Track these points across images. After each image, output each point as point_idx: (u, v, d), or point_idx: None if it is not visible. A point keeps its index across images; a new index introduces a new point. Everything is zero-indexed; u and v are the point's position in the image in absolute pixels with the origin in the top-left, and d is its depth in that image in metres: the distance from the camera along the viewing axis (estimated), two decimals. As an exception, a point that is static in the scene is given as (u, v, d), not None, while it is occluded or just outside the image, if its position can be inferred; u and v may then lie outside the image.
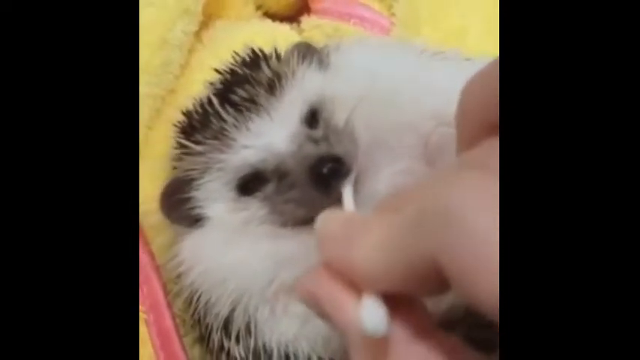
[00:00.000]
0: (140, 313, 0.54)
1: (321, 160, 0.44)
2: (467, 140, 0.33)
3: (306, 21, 0.65)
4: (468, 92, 0.33)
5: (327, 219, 0.33)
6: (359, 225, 0.31)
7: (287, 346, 0.46)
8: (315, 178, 0.44)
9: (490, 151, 0.29)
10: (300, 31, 0.66)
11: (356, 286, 0.31)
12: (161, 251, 0.55)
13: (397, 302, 0.30)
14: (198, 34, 0.62)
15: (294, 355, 0.46)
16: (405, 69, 0.50)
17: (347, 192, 0.43)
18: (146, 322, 0.55)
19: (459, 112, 0.34)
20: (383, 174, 0.46)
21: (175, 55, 0.58)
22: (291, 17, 0.68)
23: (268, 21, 0.67)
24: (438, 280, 0.27)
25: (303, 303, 0.34)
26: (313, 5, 0.66)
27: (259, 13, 0.69)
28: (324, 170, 0.43)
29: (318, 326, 0.44)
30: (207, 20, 0.63)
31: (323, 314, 0.32)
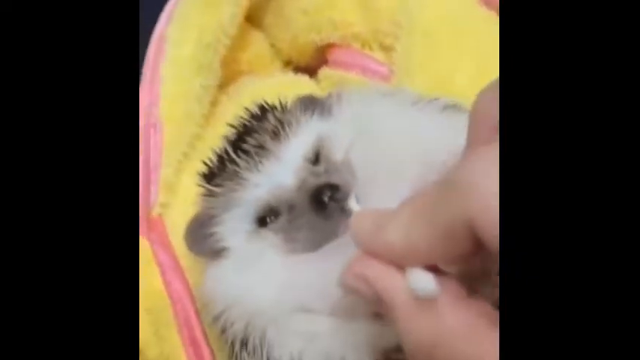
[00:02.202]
0: (174, 325, 0.60)
1: (320, 189, 0.49)
2: (476, 141, 0.37)
3: (321, 72, 0.71)
4: (482, 97, 0.36)
5: (358, 216, 0.37)
6: (388, 213, 0.35)
7: None
8: (316, 206, 0.48)
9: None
10: (318, 82, 0.71)
11: (398, 266, 0.34)
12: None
13: (436, 274, 0.33)
14: (224, 88, 0.68)
15: None
16: (397, 117, 0.54)
17: (355, 207, 0.47)
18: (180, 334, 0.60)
19: (472, 115, 0.37)
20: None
21: (196, 107, 0.64)
22: (313, 68, 0.74)
23: (290, 73, 0.73)
24: (470, 241, 0.31)
25: (352, 287, 0.37)
26: (329, 57, 0.71)
27: (287, 68, 0.74)
28: (324, 197, 0.48)
29: (322, 343, 0.48)
30: (236, 76, 0.70)
31: (368, 293, 0.35)
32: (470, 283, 0.41)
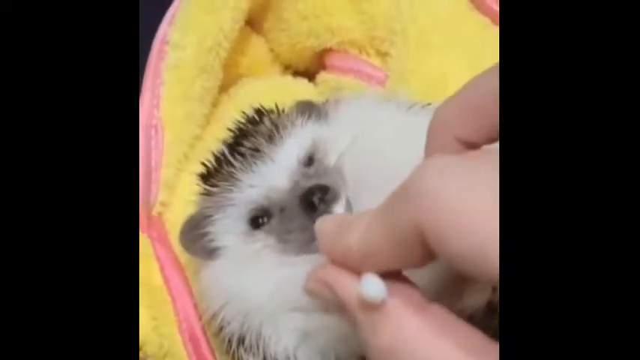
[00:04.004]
0: (175, 322, 0.60)
1: (310, 190, 0.49)
2: (434, 151, 0.37)
3: (319, 76, 0.71)
4: (443, 109, 0.37)
5: (324, 220, 0.37)
6: (351, 218, 0.35)
7: (289, 358, 0.50)
8: (305, 206, 0.49)
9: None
10: (316, 85, 0.71)
11: (356, 271, 0.34)
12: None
13: (393, 281, 0.33)
14: (225, 89, 0.69)
15: None
16: (392, 123, 0.54)
17: (340, 211, 0.48)
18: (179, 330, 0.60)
19: (431, 127, 0.37)
20: None
21: (197, 108, 0.65)
22: (312, 72, 0.74)
23: (289, 77, 0.73)
24: (421, 247, 0.30)
25: (315, 292, 0.37)
26: (326, 61, 0.71)
27: (287, 71, 0.75)
28: (313, 198, 0.48)
29: (316, 340, 0.49)
30: (236, 79, 0.70)
31: (330, 298, 0.35)
32: (456, 285, 0.41)
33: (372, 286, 0.33)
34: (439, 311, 0.33)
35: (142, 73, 0.65)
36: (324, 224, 0.37)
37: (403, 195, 0.32)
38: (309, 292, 0.37)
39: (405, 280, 0.34)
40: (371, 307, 0.33)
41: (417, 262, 0.32)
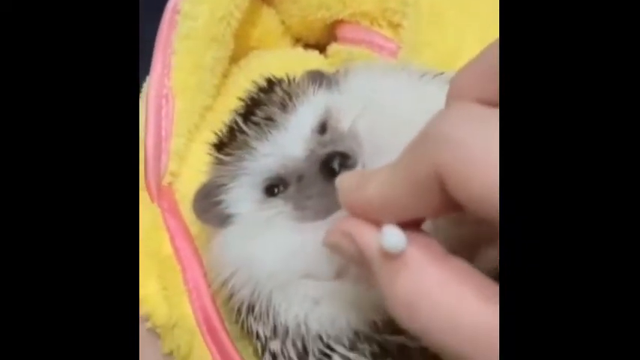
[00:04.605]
0: (184, 291, 0.60)
1: (329, 156, 0.48)
2: None
3: (330, 48, 0.71)
4: (464, 73, 0.36)
5: (344, 176, 0.37)
6: (370, 171, 0.35)
7: (299, 326, 0.49)
8: (326, 172, 0.48)
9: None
10: (327, 57, 0.71)
11: (376, 222, 0.34)
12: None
13: (412, 232, 0.33)
14: (236, 61, 0.68)
15: (307, 333, 0.49)
16: (403, 89, 0.54)
17: None
18: (190, 299, 0.60)
19: (452, 90, 0.37)
20: None
21: (208, 78, 0.64)
22: (323, 45, 0.74)
23: (299, 48, 0.72)
24: (439, 192, 0.30)
25: (335, 244, 0.37)
26: (338, 33, 0.71)
27: (297, 44, 0.74)
28: (333, 164, 0.48)
29: (327, 307, 0.48)
30: (247, 51, 0.69)
31: (351, 250, 0.35)
32: (467, 248, 0.41)
33: (393, 236, 0.33)
34: (457, 261, 0.33)
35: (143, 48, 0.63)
36: (344, 178, 0.37)
37: (424, 139, 0.32)
38: (330, 246, 0.37)
39: (424, 231, 0.34)
40: (391, 257, 0.33)
41: (434, 209, 0.32)
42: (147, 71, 0.64)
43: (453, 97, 0.37)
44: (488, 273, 0.40)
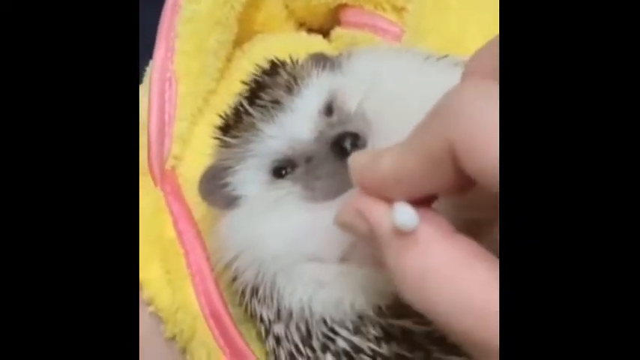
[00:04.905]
0: (187, 275, 0.60)
1: (340, 136, 0.48)
2: None
3: (333, 32, 0.70)
4: (481, 53, 0.36)
5: (357, 154, 0.37)
6: (382, 149, 0.35)
7: (303, 309, 0.49)
8: (337, 152, 0.48)
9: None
10: (330, 41, 0.71)
11: (389, 200, 0.34)
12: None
13: (424, 210, 0.33)
14: (239, 45, 0.68)
15: (311, 316, 0.49)
16: (408, 71, 0.54)
17: None
18: (192, 283, 0.60)
19: (470, 64, 0.37)
20: None
21: (211, 61, 0.64)
22: (326, 29, 0.73)
23: (303, 33, 0.72)
24: (452, 167, 0.30)
25: (347, 222, 0.36)
26: (342, 18, 0.71)
27: (301, 29, 0.74)
28: (344, 144, 0.48)
29: (331, 290, 0.48)
30: (250, 34, 0.69)
31: (362, 228, 0.35)
32: (476, 227, 0.41)
33: (405, 214, 0.33)
34: (467, 240, 0.33)
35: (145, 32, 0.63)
36: (357, 157, 0.36)
37: (438, 114, 0.31)
38: (341, 224, 0.37)
39: (434, 210, 0.34)
40: (402, 234, 0.33)
41: (447, 185, 0.32)
42: (150, 55, 0.64)
43: (468, 74, 0.37)
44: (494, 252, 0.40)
